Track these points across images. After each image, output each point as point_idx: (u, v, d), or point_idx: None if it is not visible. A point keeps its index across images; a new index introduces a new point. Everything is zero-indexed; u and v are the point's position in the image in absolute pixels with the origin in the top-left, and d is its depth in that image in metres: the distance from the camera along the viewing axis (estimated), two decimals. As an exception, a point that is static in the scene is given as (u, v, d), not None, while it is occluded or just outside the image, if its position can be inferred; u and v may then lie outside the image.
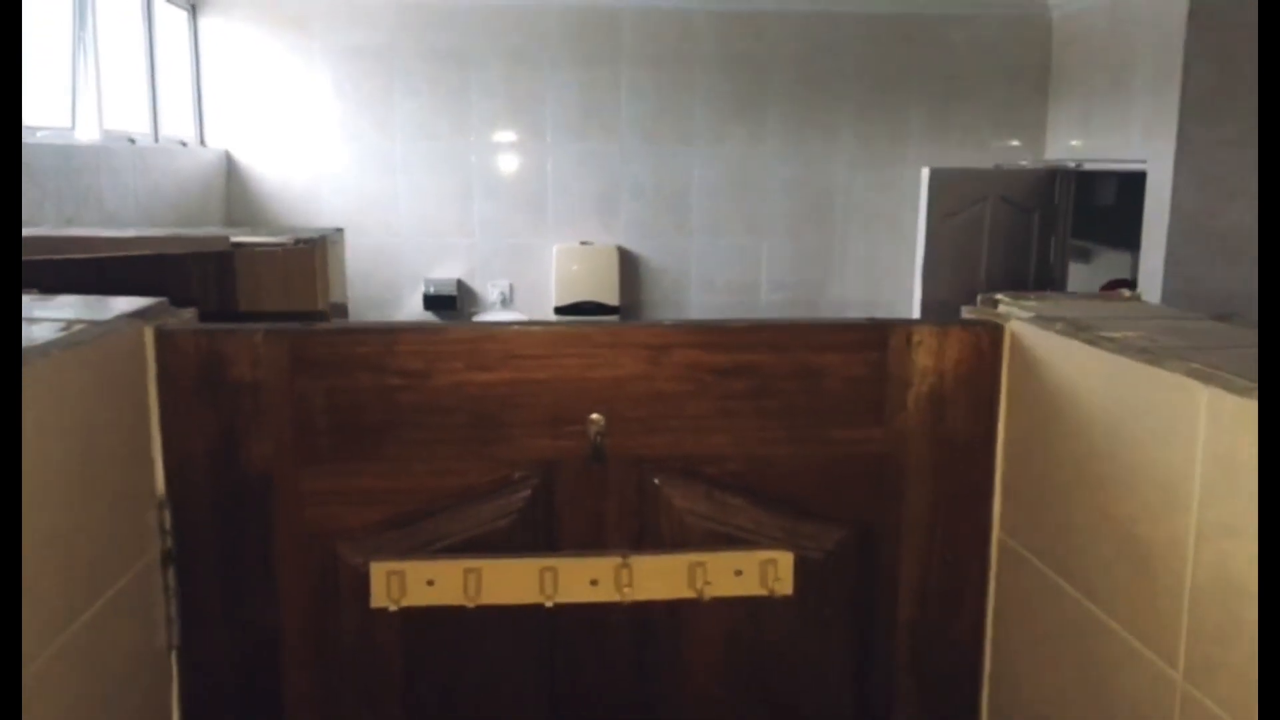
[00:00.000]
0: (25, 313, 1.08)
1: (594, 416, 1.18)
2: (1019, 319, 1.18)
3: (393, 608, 1.19)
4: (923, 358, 1.20)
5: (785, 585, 1.23)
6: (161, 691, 1.17)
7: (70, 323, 1.05)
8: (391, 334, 1.15)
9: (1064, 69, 4.93)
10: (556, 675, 1.23)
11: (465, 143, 4.96)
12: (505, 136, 4.97)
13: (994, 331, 1.20)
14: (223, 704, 1.19)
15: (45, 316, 1.07)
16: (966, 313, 1.28)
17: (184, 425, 1.14)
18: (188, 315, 1.19)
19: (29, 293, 1.20)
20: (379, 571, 1.19)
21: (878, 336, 1.19)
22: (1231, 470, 0.81)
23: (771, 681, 1.26)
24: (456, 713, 1.23)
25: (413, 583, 1.19)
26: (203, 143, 4.90)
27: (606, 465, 1.19)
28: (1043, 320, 1.14)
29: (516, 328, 1.17)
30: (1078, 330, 1.08)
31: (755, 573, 1.22)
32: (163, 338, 1.13)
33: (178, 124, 4.74)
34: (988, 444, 1.21)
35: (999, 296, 1.27)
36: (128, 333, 1.10)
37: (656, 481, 1.20)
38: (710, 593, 1.22)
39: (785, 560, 1.23)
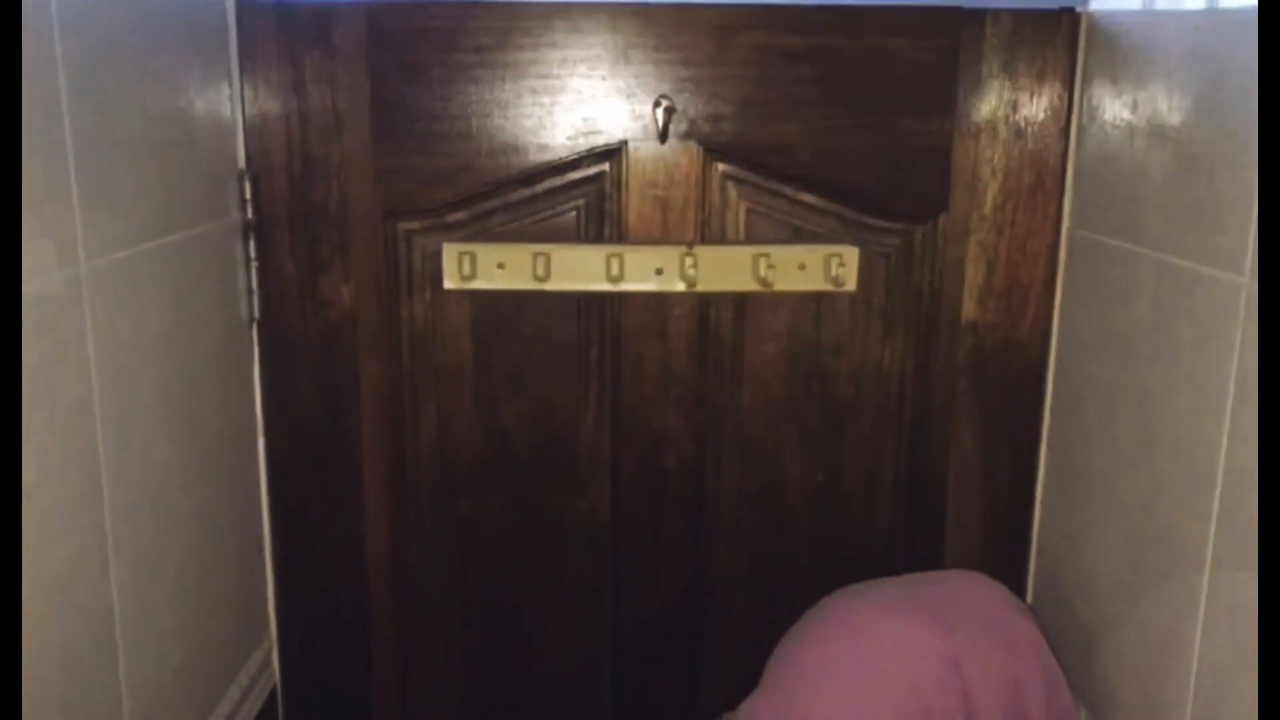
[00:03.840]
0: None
1: (662, 100, 1.18)
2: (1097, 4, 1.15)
3: (464, 289, 1.23)
4: (996, 45, 1.18)
5: (849, 280, 1.23)
6: (244, 365, 1.22)
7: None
8: (465, 8, 1.17)
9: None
10: (621, 365, 1.26)
11: None
12: None
13: (1072, 19, 1.17)
14: (301, 382, 1.24)
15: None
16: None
17: (264, 96, 1.17)
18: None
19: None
20: (451, 253, 1.22)
21: (951, 22, 1.18)
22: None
23: (831, 380, 1.27)
24: (522, 393, 1.26)
25: (483, 264, 1.22)
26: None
27: (674, 152, 1.20)
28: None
29: (585, 6, 1.17)
30: (1159, -11, 1.05)
31: (819, 266, 1.23)
32: (243, 8, 1.15)
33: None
34: (1061, 133, 1.19)
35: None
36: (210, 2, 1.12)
37: (722, 169, 1.21)
38: (774, 285, 1.23)
39: (850, 255, 1.23)
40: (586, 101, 1.18)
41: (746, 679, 1.14)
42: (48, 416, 0.78)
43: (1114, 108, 1.11)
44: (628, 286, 1.23)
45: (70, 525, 0.82)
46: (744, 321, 1.25)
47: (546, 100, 1.18)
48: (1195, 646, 0.92)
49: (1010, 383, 1.25)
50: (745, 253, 1.23)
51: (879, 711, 0.95)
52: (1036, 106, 1.19)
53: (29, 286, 0.74)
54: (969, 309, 1.24)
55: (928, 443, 1.28)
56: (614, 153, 1.20)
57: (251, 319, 1.22)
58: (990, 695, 0.96)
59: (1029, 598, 1.27)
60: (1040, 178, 1.20)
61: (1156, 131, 1.02)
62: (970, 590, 1.06)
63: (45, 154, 0.77)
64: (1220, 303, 0.88)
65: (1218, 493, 0.88)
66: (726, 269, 1.23)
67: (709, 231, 1.23)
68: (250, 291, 1.21)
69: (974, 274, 1.23)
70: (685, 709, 1.26)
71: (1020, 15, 1.18)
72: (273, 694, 1.31)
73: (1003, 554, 1.27)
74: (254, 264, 1.20)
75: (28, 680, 0.75)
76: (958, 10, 1.18)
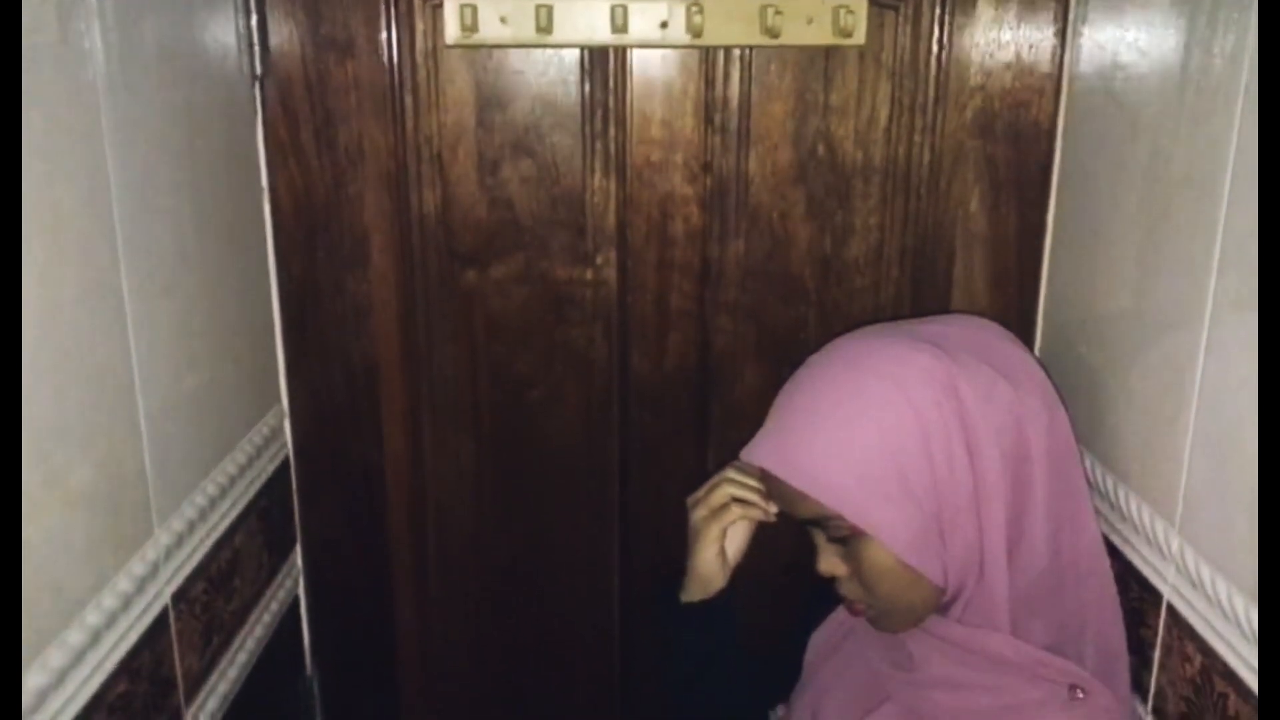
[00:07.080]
0: None
1: None
2: None
3: (466, 43, 1.21)
4: None
5: (857, 31, 1.21)
6: (248, 124, 1.21)
7: None
8: None
9: None
10: (626, 128, 1.24)
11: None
12: None
13: None
14: (304, 144, 1.23)
15: None
16: None
17: None
18: None
19: None
20: (452, 6, 1.20)
21: None
22: None
23: (838, 142, 1.26)
24: (526, 156, 1.25)
25: (485, 17, 1.20)
26: None
27: (679, -101, 1.17)
28: None
29: None
30: None
31: (828, 19, 1.21)
32: None
33: None
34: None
35: None
36: None
37: (729, -83, 1.18)
38: (781, 35, 1.21)
39: (859, 4, 1.21)
40: None
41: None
42: (55, 92, 0.77)
43: None
44: (632, 39, 1.21)
45: (79, 207, 0.82)
46: (750, 81, 1.24)
47: None
48: (1196, 387, 0.92)
49: (1019, 141, 1.24)
50: (752, 3, 1.20)
51: (877, 437, 0.95)
52: None
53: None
54: (977, 64, 1.22)
55: (935, 206, 1.27)
56: (618, -101, 1.17)
57: (254, 76, 1.21)
58: (989, 419, 0.96)
59: (1036, 353, 1.28)
60: (1055, -79, 1.17)
61: None
62: (973, 326, 1.06)
63: None
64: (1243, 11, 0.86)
65: (1220, 229, 0.88)
66: (733, 20, 1.21)
67: (715, -15, 1.20)
68: (251, 46, 1.19)
69: (984, 27, 1.21)
70: (692, 471, 1.27)
71: None
72: (285, 463, 1.33)
73: (1011, 313, 1.28)
74: (254, 17, 1.18)
75: (48, 370, 0.76)
76: None
